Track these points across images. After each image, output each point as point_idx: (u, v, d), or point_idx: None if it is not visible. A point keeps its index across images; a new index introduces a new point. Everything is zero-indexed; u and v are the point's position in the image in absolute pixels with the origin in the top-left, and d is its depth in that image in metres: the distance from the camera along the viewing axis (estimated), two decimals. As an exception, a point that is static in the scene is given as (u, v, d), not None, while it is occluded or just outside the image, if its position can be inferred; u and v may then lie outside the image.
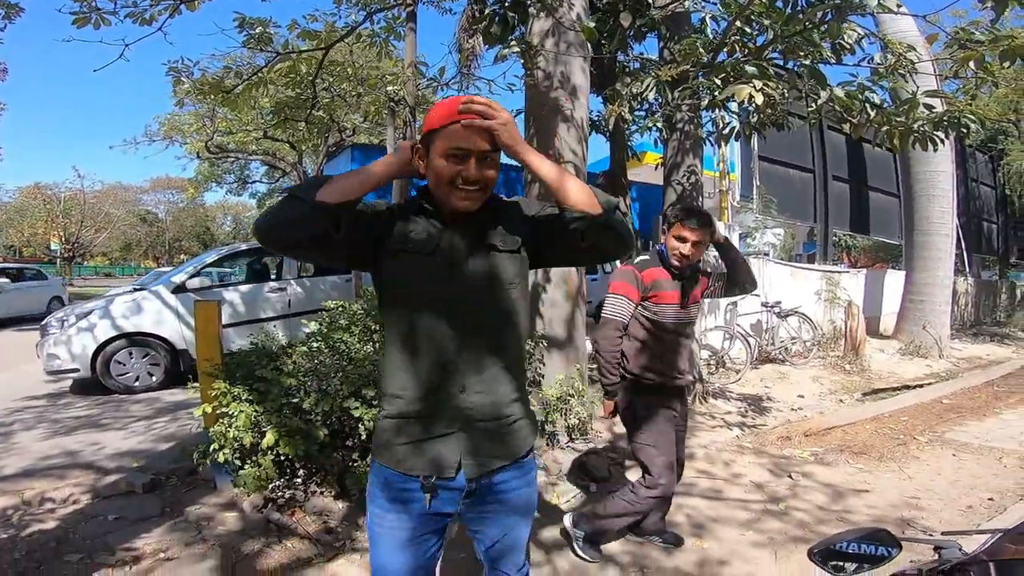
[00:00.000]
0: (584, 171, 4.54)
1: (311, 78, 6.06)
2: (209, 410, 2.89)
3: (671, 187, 5.58)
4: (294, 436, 2.71)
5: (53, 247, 33.07)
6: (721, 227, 8.21)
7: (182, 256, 40.25)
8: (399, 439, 1.22)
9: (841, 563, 1.01)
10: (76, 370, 5.48)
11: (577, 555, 2.55)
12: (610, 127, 4.54)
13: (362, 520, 2.61)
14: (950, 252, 8.84)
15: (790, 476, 3.64)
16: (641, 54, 5.81)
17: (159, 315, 5.79)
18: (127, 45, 4.47)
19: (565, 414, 3.91)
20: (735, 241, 7.89)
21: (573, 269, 4.34)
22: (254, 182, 28.64)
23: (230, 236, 44.85)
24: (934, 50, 4.74)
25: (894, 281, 10.14)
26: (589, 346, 6.52)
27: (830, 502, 3.25)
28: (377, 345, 3.18)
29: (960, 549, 0.97)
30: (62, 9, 4.21)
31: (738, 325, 7.24)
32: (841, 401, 5.85)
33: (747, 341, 6.84)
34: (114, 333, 5.59)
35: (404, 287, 1.23)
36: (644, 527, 2.66)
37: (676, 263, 2.34)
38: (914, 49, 3.86)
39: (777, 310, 7.53)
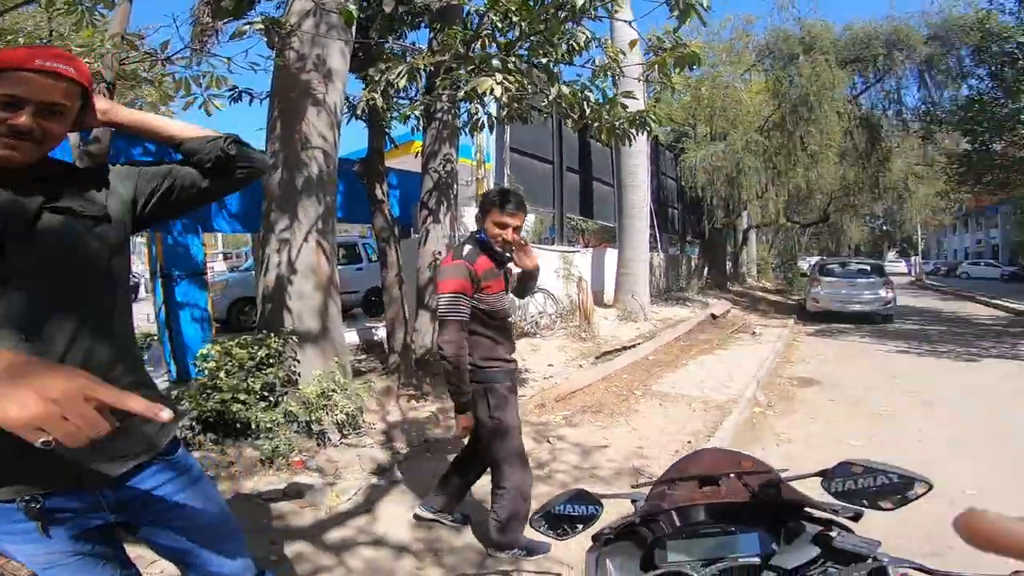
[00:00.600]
0: (334, 158, 4.32)
1: None
2: None
3: (428, 174, 5.68)
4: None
5: None
6: (476, 212, 8.75)
7: None
8: None
9: (564, 526, 1.10)
10: None
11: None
12: (362, 113, 4.38)
13: None
14: (646, 232, 10.97)
15: (548, 441, 4.08)
16: (413, 43, 5.73)
17: None
18: None
19: (330, 410, 3.70)
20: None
21: (323, 258, 4.10)
22: None
23: None
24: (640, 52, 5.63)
25: (612, 258, 12.08)
26: (350, 338, 6.29)
27: (581, 461, 3.73)
28: None
29: (646, 499, 1.11)
30: None
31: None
32: (580, 366, 6.75)
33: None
34: None
35: None
36: (437, 502, 2.70)
37: (499, 249, 2.31)
38: (624, 53, 4.59)
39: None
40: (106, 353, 1.06)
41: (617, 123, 4.27)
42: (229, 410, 3.35)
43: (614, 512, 1.34)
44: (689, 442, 4.17)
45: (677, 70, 3.76)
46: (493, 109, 4.87)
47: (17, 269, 0.97)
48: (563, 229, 12.04)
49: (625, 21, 5.10)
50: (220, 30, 4.58)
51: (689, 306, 13.22)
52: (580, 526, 1.10)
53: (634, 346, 7.90)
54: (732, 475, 1.05)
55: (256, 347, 3.59)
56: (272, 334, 3.73)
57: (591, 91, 4.19)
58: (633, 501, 1.13)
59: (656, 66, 3.77)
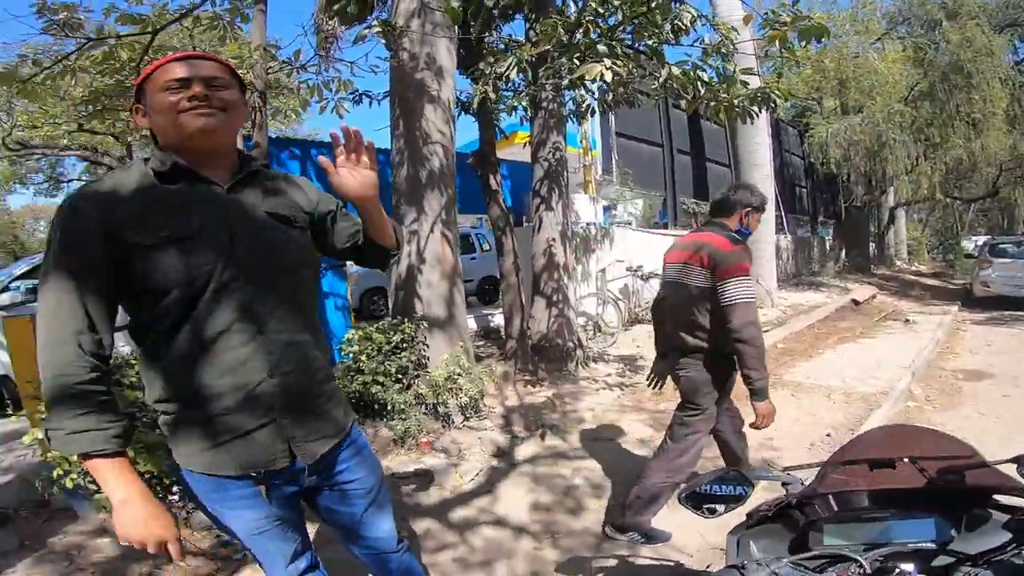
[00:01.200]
0: (452, 151, 4.50)
1: (135, 63, 5.26)
2: (40, 435, 2.45)
3: (539, 163, 5.75)
4: (154, 451, 2.39)
5: None
6: (587, 199, 8.66)
7: (-19, 269, 33.36)
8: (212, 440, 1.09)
9: (712, 505, 1.08)
10: None
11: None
12: (472, 107, 4.54)
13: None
14: (771, 213, 10.18)
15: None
16: (510, 36, 5.86)
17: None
18: None
19: (456, 394, 3.90)
20: (600, 212, 8.38)
21: (448, 248, 4.32)
22: (69, 181, 24.35)
23: (43, 244, 38.09)
24: (754, 30, 5.31)
25: (733, 241, 11.44)
26: (472, 324, 6.55)
27: (704, 451, 3.59)
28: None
29: (803, 483, 1.07)
30: None
31: (608, 290, 7.73)
32: (700, 351, 6.49)
33: (617, 305, 7.33)
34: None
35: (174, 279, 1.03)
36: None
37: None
38: (736, 30, 4.31)
39: (640, 273, 8.15)
40: (311, 344, 1.17)
41: (736, 101, 4.02)
42: (369, 391, 3.63)
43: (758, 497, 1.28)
44: (828, 435, 3.85)
45: (803, 43, 3.46)
46: (598, 95, 4.81)
47: (244, 268, 1.07)
48: (676, 213, 11.55)
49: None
50: (340, 36, 4.98)
51: (824, 291, 12.09)
52: (726, 506, 1.07)
53: (760, 334, 7.38)
54: (906, 459, 0.97)
55: (392, 332, 3.85)
56: (406, 320, 4.00)
57: (703, 70, 4.00)
58: (785, 484, 1.09)
59: (776, 40, 3.49)
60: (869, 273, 16.40)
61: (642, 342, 6.94)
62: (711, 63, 4.17)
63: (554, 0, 5.33)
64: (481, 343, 6.55)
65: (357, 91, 4.87)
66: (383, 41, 4.05)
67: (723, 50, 4.13)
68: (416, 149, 4.28)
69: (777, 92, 4.05)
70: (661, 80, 3.89)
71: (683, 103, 4.33)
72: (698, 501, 1.08)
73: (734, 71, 4.09)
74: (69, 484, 2.40)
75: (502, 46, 5.54)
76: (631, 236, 8.93)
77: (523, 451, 3.64)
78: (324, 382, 1.20)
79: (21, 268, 5.80)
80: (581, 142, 9.02)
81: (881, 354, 6.30)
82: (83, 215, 1.00)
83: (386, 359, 3.74)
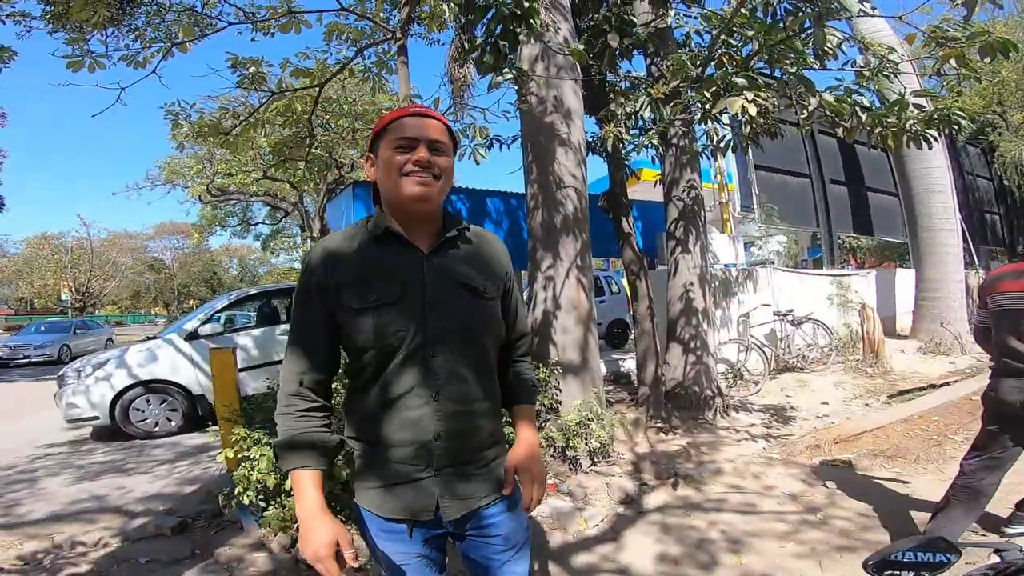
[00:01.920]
0: (585, 194, 4.54)
1: (307, 116, 6.20)
2: (231, 455, 2.88)
3: (672, 203, 5.61)
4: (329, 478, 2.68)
5: (64, 297, 33.41)
6: (725, 239, 8.22)
7: (191, 302, 40.45)
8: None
9: (898, 572, 0.97)
10: (96, 417, 5.51)
11: None
12: (608, 148, 4.59)
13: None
14: (958, 246, 8.78)
15: (825, 485, 3.56)
16: (629, 72, 5.89)
17: (174, 362, 5.82)
18: (123, 89, 4.56)
19: (585, 438, 3.86)
20: (740, 252, 7.89)
21: (582, 294, 4.34)
22: (257, 224, 28.88)
23: (237, 280, 45.21)
24: (912, 49, 4.81)
25: (905, 280, 10.03)
26: (602, 368, 6.47)
27: (870, 509, 3.17)
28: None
29: (1021, 550, 0.94)
30: (55, 53, 4.31)
31: (752, 336, 7.19)
32: (867, 405, 5.75)
33: (763, 351, 6.77)
34: (130, 381, 5.61)
35: (377, 338, 1.14)
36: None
37: None
38: (895, 50, 3.92)
39: (790, 318, 7.48)
40: (480, 413, 1.21)
41: (908, 125, 3.62)
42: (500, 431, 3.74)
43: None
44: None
45: (986, 59, 3.06)
46: (729, 132, 4.62)
47: (432, 336, 1.14)
48: (832, 248, 10.47)
49: (886, 16, 4.33)
50: (473, 84, 5.37)
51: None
52: (924, 574, 0.96)
53: (947, 384, 6.34)
54: None
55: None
56: (540, 365, 4.07)
57: (861, 95, 3.67)
58: (998, 551, 0.97)
59: (951, 59, 3.12)
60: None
61: (792, 391, 6.32)
62: (868, 87, 3.83)
63: (673, 35, 5.26)
64: (610, 387, 6.43)
65: (489, 137, 5.00)
66: (515, 87, 4.21)
67: (884, 72, 3.77)
68: (550, 194, 4.39)
69: (959, 113, 3.60)
70: (811, 109, 3.64)
71: (839, 131, 4.00)
72: (883, 567, 0.98)
73: (901, 94, 3.70)
74: (245, 500, 2.77)
75: (627, 84, 5.57)
76: (779, 278, 8.28)
77: (652, 499, 3.48)
78: (487, 447, 1.25)
79: (222, 303, 6.79)
80: (716, 177, 8.67)
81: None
82: (313, 271, 1.16)
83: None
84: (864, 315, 7.48)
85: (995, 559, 0.96)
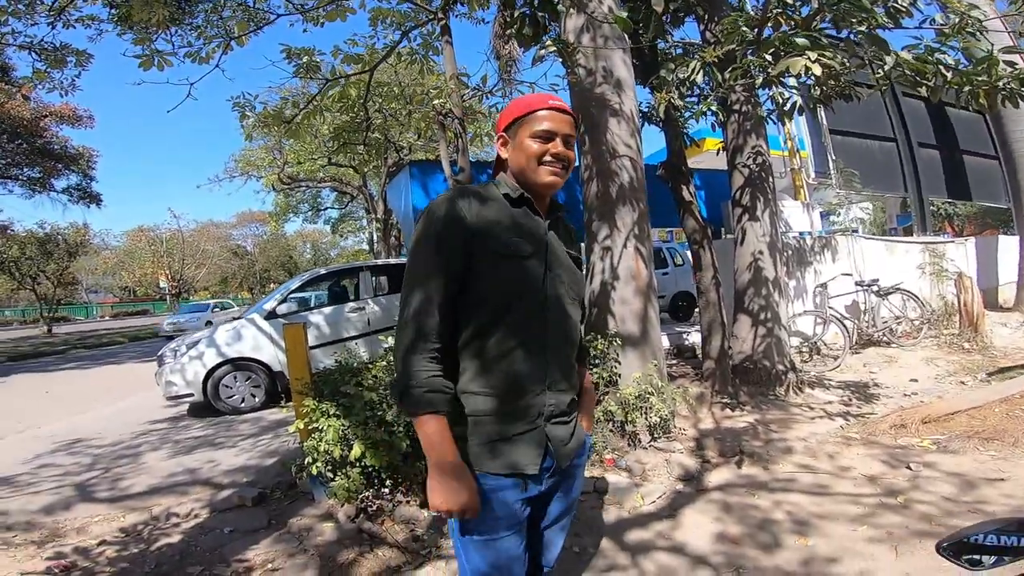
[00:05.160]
0: (640, 163, 4.42)
1: (362, 100, 6.33)
2: (302, 426, 3.05)
3: (737, 170, 5.33)
4: (378, 448, 2.80)
5: (162, 285, 36.77)
6: (798, 206, 7.70)
7: (271, 285, 43.14)
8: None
9: (977, 556, 0.89)
10: (191, 395, 5.99)
11: None
12: (661, 116, 4.37)
13: (446, 527, 2.65)
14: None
15: (909, 467, 3.31)
16: (682, 39, 5.60)
17: (256, 341, 6.23)
18: (192, 84, 4.86)
19: (645, 413, 3.79)
20: (816, 219, 7.40)
21: (641, 264, 4.22)
22: (325, 209, 30.22)
23: (310, 263, 47.54)
24: (997, 6, 4.30)
25: (1008, 248, 9.08)
26: (665, 341, 6.30)
27: (959, 493, 2.92)
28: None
29: None
30: (125, 53, 4.62)
31: (831, 308, 6.74)
32: (963, 383, 5.27)
33: (843, 324, 6.34)
34: (219, 360, 6.05)
35: (509, 291, 1.21)
36: None
37: None
38: (976, 6, 3.50)
39: (875, 288, 6.94)
40: (574, 368, 1.34)
41: (1001, 83, 3.26)
42: (562, 405, 3.75)
43: None
44: None
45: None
46: (796, 95, 4.27)
47: (548, 294, 1.24)
48: (924, 215, 9.58)
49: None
50: (519, 59, 5.28)
51: None
52: (1007, 558, 0.87)
53: (1056, 363, 5.69)
54: None
55: (585, 349, 3.92)
56: (599, 336, 4.03)
57: (944, 53, 3.35)
58: None
59: None
60: None
61: (877, 366, 5.91)
62: (952, 44, 3.47)
63: (728, -1, 4.92)
64: (674, 362, 6.26)
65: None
66: (560, 59, 4.12)
67: (968, 29, 3.39)
68: (604, 164, 4.30)
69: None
70: (887, 69, 3.32)
71: (923, 90, 3.62)
72: (960, 550, 0.90)
73: (989, 51, 3.32)
74: (314, 471, 2.93)
75: (679, 51, 5.29)
76: (862, 245, 7.69)
77: (714, 477, 3.37)
78: (574, 402, 1.35)
79: (296, 283, 7.08)
80: (786, 144, 8.11)
81: None
82: (454, 216, 1.17)
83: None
84: (961, 285, 6.82)
85: None
